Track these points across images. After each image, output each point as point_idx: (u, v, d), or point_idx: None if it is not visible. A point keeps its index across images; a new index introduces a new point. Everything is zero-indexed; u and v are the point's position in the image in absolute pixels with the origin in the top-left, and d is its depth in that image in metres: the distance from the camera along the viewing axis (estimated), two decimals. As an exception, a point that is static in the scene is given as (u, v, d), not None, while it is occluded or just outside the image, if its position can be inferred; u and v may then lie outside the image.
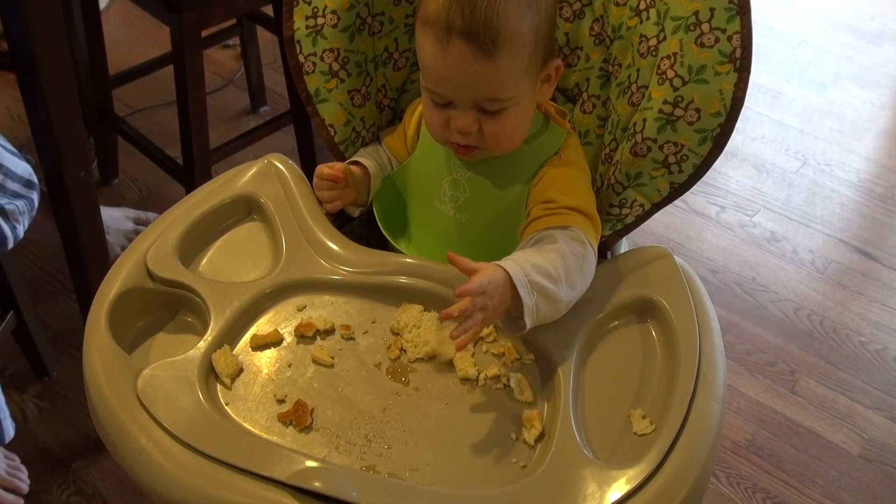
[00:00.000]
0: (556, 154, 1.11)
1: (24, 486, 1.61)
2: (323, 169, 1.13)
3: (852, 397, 1.87)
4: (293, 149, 2.17)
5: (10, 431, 1.55)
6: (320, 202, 1.15)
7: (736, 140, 2.47)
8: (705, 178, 1.08)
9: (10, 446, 1.62)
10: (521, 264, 0.96)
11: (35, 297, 1.84)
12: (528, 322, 0.96)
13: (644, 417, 0.94)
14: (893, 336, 2.01)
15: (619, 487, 0.85)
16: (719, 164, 1.06)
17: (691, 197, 2.33)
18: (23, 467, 1.63)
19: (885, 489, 1.71)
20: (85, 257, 1.71)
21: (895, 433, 1.81)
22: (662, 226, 2.24)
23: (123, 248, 1.24)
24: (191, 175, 1.91)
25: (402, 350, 1.01)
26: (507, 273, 0.95)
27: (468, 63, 0.99)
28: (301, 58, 1.16)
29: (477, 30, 0.97)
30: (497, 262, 0.96)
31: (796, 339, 1.99)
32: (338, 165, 1.13)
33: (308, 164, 2.09)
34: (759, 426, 1.81)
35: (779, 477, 1.73)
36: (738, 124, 1.04)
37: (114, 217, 2.02)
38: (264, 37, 2.42)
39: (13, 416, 1.57)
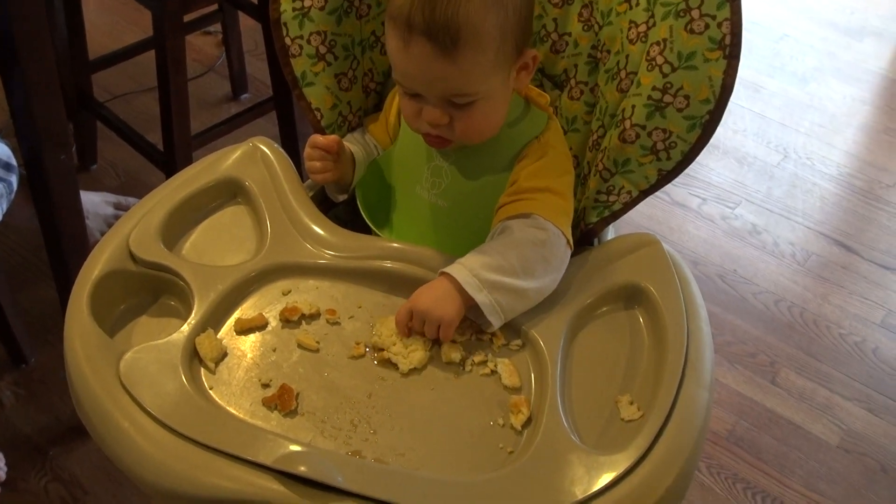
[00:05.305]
0: (537, 138, 1.10)
1: (2, 473, 1.59)
2: (317, 138, 1.12)
3: (832, 389, 1.88)
4: (275, 136, 2.15)
5: (-14, 418, 1.53)
6: (308, 176, 1.15)
7: (718, 133, 2.42)
8: (687, 169, 1.08)
9: (-14, 433, 1.61)
10: (468, 266, 0.99)
11: (12, 283, 1.81)
12: (494, 319, 0.99)
13: (632, 403, 0.94)
14: (872, 328, 2.02)
15: (607, 473, 0.85)
16: (701, 156, 1.06)
17: (673, 188, 2.33)
18: (0, 454, 1.61)
19: (864, 479, 1.72)
20: (64, 242, 1.69)
21: (873, 424, 1.82)
22: (645, 217, 2.24)
23: (103, 234, 1.22)
24: (171, 161, 1.89)
25: (394, 364, 0.98)
26: (453, 278, 0.98)
27: (430, 62, 0.98)
28: (287, 40, 1.15)
29: (437, 29, 0.95)
30: (444, 269, 1.00)
31: (776, 330, 2.00)
32: (332, 136, 1.12)
33: (290, 153, 2.07)
34: (739, 417, 1.82)
35: (758, 467, 1.73)
36: (720, 117, 1.04)
37: (93, 202, 1.99)
38: (246, 24, 2.40)
39: (-9, 403, 1.56)
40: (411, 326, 0.99)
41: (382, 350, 0.99)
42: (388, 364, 0.98)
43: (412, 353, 0.98)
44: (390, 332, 1.00)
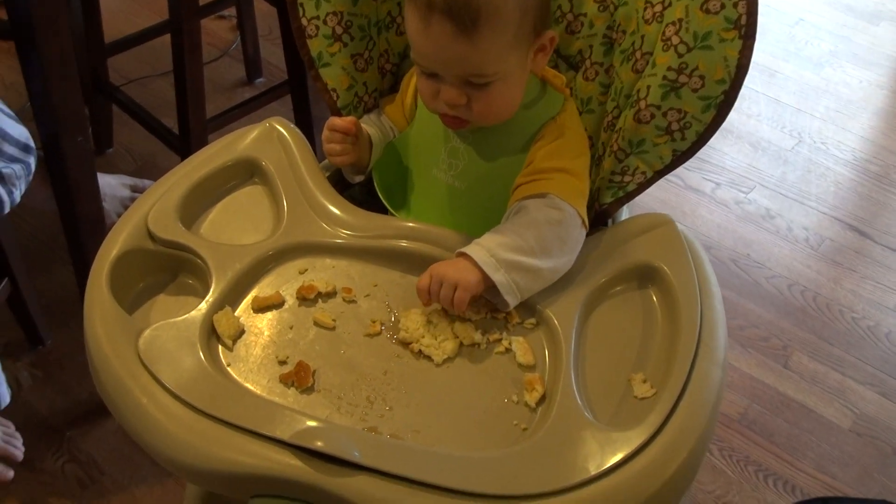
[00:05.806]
0: (553, 119, 1.11)
1: (19, 453, 1.61)
2: (335, 120, 1.12)
3: (844, 373, 1.88)
4: (289, 120, 2.14)
5: (5, 398, 1.55)
6: (324, 159, 1.15)
7: (732, 117, 2.42)
8: (701, 154, 1.08)
9: (4, 414, 1.62)
10: (486, 246, 1.00)
11: (29, 265, 1.83)
12: (511, 299, 0.99)
13: (645, 381, 0.94)
14: (885, 313, 2.02)
15: (620, 449, 0.86)
16: (715, 140, 1.07)
17: (687, 173, 2.33)
18: (18, 434, 1.63)
19: (875, 463, 1.72)
20: (81, 224, 1.70)
21: (886, 408, 1.82)
22: (658, 201, 2.24)
23: (120, 216, 1.23)
24: (187, 145, 1.90)
25: (428, 357, 0.98)
26: (471, 258, 0.98)
27: (449, 41, 0.98)
28: (304, 21, 1.15)
29: (457, 8, 0.96)
30: (462, 249, 1.00)
31: (789, 314, 2.00)
32: (349, 118, 1.13)
33: (305, 137, 2.08)
34: (751, 400, 1.82)
35: (770, 450, 1.74)
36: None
37: (110, 184, 2.00)
38: (260, 8, 2.40)
39: (7, 384, 1.57)
40: (433, 291, 0.99)
41: (410, 344, 0.99)
42: (421, 356, 0.98)
43: (443, 343, 0.98)
44: (417, 326, 1.00)
